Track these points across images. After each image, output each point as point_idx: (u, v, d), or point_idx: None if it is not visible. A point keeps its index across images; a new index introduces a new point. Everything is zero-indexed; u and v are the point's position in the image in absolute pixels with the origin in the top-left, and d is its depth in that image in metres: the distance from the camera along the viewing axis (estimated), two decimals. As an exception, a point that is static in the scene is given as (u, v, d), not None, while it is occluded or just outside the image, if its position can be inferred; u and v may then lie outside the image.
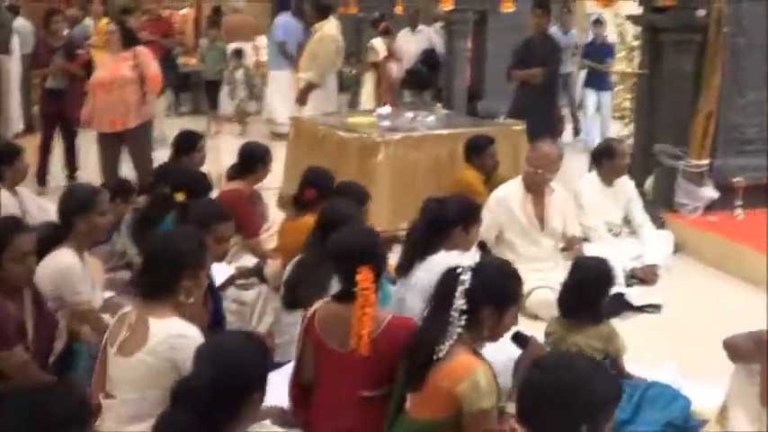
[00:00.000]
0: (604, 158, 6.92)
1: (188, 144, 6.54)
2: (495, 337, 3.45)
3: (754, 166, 7.96)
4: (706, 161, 7.73)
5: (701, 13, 7.50)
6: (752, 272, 6.90)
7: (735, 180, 7.73)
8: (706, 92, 7.59)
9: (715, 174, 7.81)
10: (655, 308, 6.17)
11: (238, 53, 13.20)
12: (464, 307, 3.32)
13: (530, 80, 8.99)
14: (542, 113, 8.92)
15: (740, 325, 4.21)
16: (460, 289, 3.33)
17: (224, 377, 2.80)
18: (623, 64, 8.66)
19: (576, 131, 12.21)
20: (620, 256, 6.48)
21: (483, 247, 5.39)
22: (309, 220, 5.31)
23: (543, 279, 5.94)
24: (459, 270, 3.39)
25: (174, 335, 3.42)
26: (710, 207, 7.82)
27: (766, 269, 6.40)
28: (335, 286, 4.55)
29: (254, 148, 6.65)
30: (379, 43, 12.31)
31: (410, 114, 8.51)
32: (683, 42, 7.70)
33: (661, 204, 7.81)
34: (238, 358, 2.89)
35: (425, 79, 11.33)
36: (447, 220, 4.80)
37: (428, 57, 12.06)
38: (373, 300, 3.59)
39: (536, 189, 6.27)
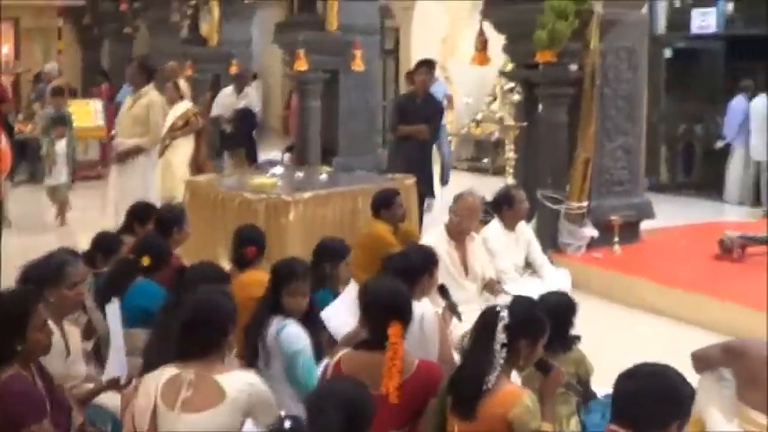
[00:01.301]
0: (505, 206, 7.53)
1: (144, 215, 6.78)
2: (527, 365, 4.04)
3: (625, 205, 8.98)
4: (585, 203, 8.65)
5: (574, 67, 8.46)
6: (638, 299, 7.88)
7: (611, 219, 8.69)
8: (582, 140, 8.52)
9: (593, 214, 8.74)
10: (576, 338, 6.88)
11: (62, 120, 12.21)
12: (505, 341, 3.88)
13: (417, 135, 9.64)
14: (423, 168, 9.59)
15: (640, 345, 4.95)
16: (501, 325, 3.89)
17: (353, 420, 3.28)
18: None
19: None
20: (533, 295, 7.17)
21: (442, 288, 5.89)
22: (251, 275, 5.74)
23: (472, 321, 6.55)
24: (497, 308, 3.96)
25: (248, 384, 3.82)
26: (591, 244, 8.75)
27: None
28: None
29: (169, 210, 6.84)
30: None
31: (301, 173, 9.02)
32: (558, 95, 8.64)
33: (546, 245, 8.58)
34: (359, 402, 3.38)
35: (239, 141, 11.73)
36: (416, 269, 5.32)
37: (242, 117, 12.59)
38: (401, 352, 4.10)
39: (459, 237, 6.90)
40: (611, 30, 8.64)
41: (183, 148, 10.53)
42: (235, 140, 12.77)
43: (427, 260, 5.43)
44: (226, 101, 13.14)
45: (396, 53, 17.92)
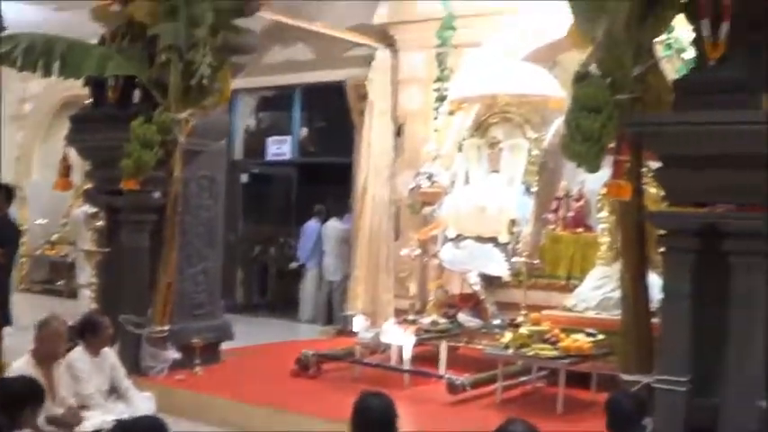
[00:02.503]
0: (88, 333, 7.88)
1: None
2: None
3: (205, 327, 9.65)
4: (167, 327, 9.20)
5: (157, 195, 9.08)
6: (221, 418, 8.48)
7: (193, 341, 9.30)
8: (164, 265, 9.12)
9: (175, 337, 9.29)
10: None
11: None
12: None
13: (-5, 260, 9.66)
14: (-1, 294, 9.65)
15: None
16: (108, 442, 4.34)
17: None
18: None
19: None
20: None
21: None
22: None
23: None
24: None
25: None
26: (173, 367, 9.28)
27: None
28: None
29: None
30: None
31: None
32: (141, 222, 9.21)
33: (129, 369, 8.94)
34: None
35: None
36: (19, 400, 5.51)
37: None
38: None
39: (45, 362, 7.15)
40: (194, 159, 9.42)
41: None
42: None
43: (33, 390, 5.68)
44: None
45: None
